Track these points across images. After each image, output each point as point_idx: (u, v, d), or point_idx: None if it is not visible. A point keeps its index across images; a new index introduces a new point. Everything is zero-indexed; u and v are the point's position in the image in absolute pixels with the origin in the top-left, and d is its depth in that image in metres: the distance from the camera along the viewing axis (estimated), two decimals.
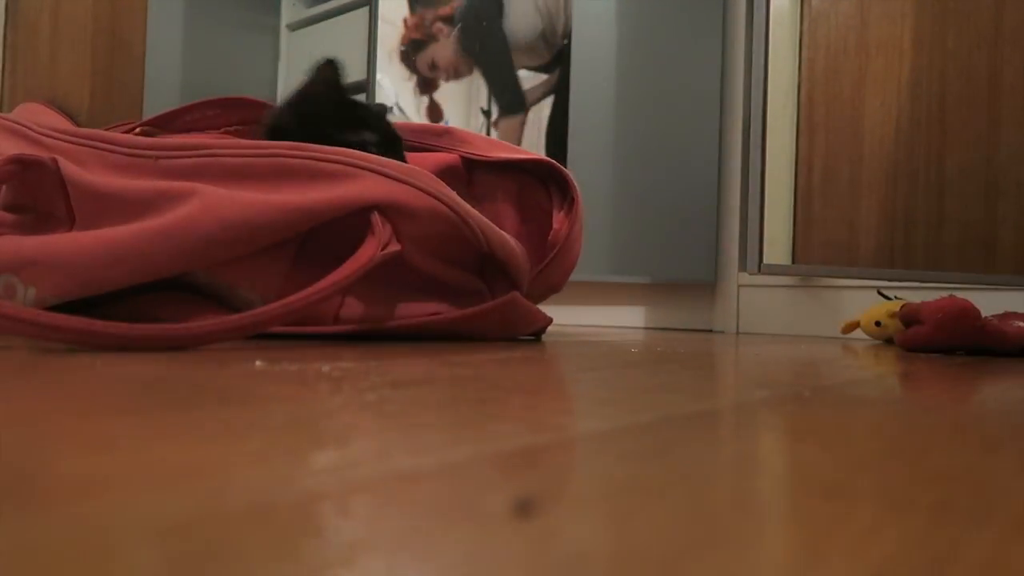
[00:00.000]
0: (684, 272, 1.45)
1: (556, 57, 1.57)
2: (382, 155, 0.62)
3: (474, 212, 0.62)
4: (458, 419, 0.24)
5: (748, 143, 1.43)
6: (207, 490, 0.14)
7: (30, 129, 0.65)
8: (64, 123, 0.81)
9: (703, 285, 1.49)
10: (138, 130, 0.81)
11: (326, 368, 0.38)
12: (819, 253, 1.29)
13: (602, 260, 1.46)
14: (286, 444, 0.19)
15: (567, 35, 1.53)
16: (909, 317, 0.81)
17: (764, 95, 1.21)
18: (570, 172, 0.78)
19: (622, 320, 1.56)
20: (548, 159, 0.77)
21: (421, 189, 0.59)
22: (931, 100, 1.26)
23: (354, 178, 0.58)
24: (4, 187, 0.61)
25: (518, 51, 1.63)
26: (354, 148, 0.62)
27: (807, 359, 0.63)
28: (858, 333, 1.15)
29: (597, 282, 1.52)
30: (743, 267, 1.19)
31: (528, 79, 1.62)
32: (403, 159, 0.71)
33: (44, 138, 0.63)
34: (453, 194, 0.61)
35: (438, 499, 0.14)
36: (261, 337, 0.57)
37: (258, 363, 0.40)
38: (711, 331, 1.44)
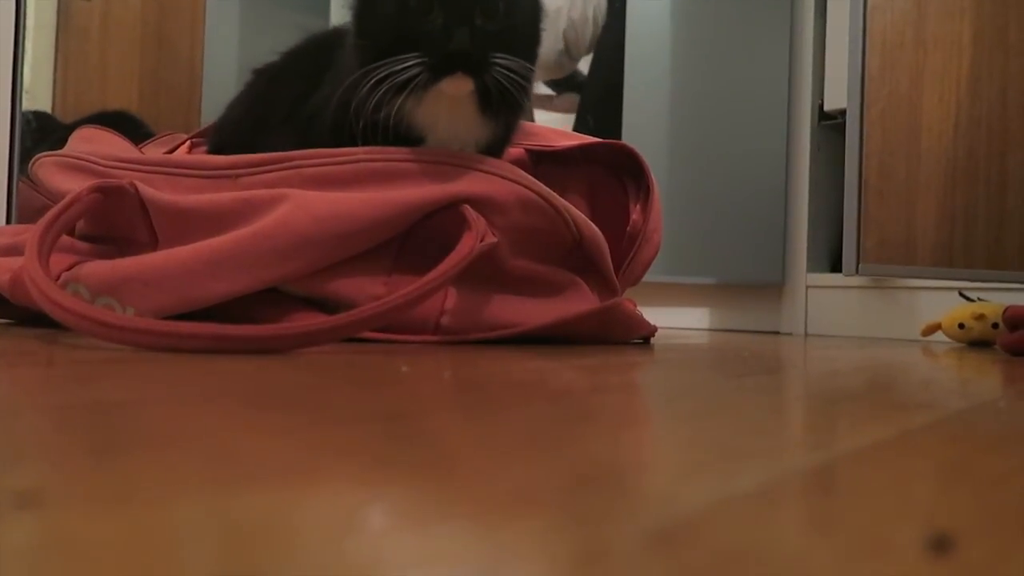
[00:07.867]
0: (750, 273, 1.43)
1: (570, 77, 1.55)
2: None
3: (562, 200, 0.61)
4: None
5: (817, 142, 1.40)
6: None
7: (96, 163, 0.64)
8: (124, 144, 0.80)
9: (770, 286, 1.46)
10: (187, 143, 0.80)
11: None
12: (875, 253, 1.26)
13: (665, 261, 1.43)
14: None
15: (589, 51, 1.51)
16: (1016, 320, 0.80)
17: (861, 87, 1.18)
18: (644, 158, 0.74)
19: (685, 321, 1.54)
20: (620, 143, 0.74)
21: (508, 179, 0.58)
22: (992, 96, 1.23)
23: (438, 174, 0.58)
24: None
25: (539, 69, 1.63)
26: None
27: (963, 364, 0.61)
28: (936, 336, 1.12)
29: (660, 283, 1.50)
30: (847, 269, 1.15)
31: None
32: None
33: (112, 170, 0.63)
34: (539, 183, 0.60)
35: None
36: (358, 343, 0.56)
37: (404, 368, 0.39)
38: (778, 333, 1.42)
